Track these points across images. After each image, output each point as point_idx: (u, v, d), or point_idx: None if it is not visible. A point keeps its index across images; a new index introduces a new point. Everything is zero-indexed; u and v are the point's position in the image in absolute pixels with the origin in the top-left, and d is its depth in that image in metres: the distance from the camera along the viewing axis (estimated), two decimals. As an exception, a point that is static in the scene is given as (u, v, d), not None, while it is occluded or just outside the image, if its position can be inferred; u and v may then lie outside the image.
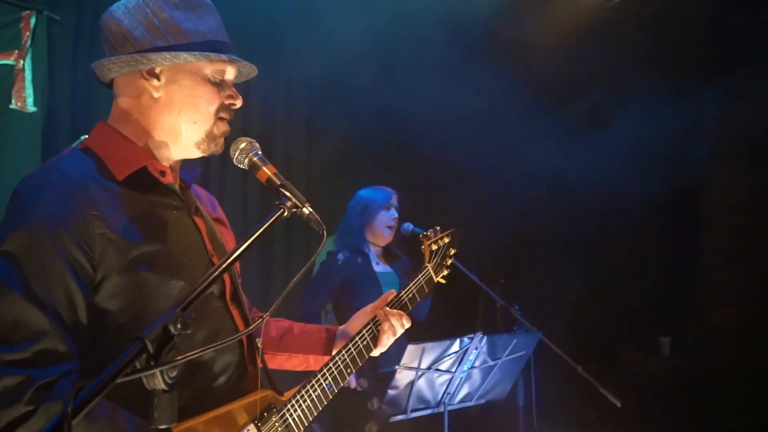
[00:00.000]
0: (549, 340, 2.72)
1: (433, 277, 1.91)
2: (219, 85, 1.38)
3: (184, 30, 1.33)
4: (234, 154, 1.34)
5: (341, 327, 1.78)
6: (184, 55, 1.31)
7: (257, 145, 1.36)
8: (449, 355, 2.41)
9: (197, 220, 1.41)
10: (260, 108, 4.17)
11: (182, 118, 1.35)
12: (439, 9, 3.83)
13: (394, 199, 3.29)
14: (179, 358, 0.82)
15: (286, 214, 1.25)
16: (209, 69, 1.36)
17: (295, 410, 1.45)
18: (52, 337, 1.12)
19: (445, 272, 1.95)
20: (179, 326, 0.81)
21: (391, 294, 1.80)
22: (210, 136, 1.38)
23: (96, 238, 1.20)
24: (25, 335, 1.10)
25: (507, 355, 2.58)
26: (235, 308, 1.41)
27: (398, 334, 1.73)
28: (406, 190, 3.65)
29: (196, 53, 1.32)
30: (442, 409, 2.54)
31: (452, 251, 1.96)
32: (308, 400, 1.49)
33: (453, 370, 2.46)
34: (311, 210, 1.30)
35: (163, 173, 1.37)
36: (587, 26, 4.33)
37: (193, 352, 0.86)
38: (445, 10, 3.83)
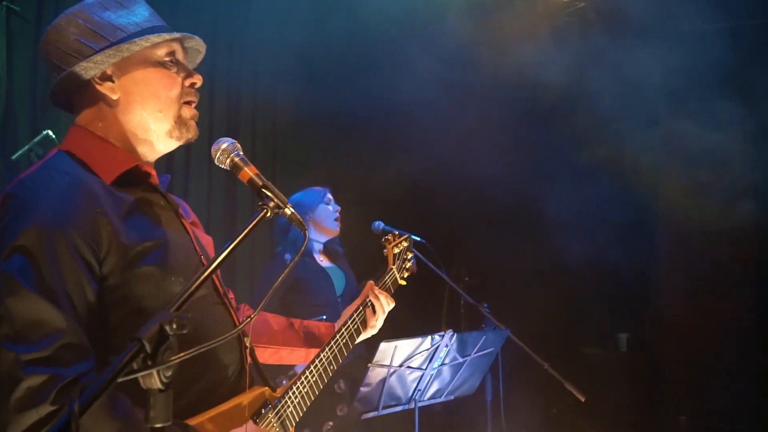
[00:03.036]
0: (516, 338, 2.79)
1: (398, 278, 2.01)
2: (173, 67, 1.37)
3: (117, 25, 1.33)
4: (215, 155, 1.34)
5: (337, 323, 1.85)
6: (125, 46, 1.30)
7: (239, 145, 1.36)
8: (420, 353, 2.45)
9: (183, 222, 1.43)
10: (225, 108, 4.16)
11: (146, 111, 1.34)
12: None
13: (330, 195, 3.31)
14: (174, 358, 0.83)
15: (269, 214, 1.26)
16: (157, 54, 1.35)
17: (288, 406, 1.50)
18: (71, 334, 1.11)
19: (406, 274, 2.05)
20: (175, 326, 0.82)
21: (369, 286, 1.90)
22: (179, 122, 1.38)
23: (103, 235, 1.20)
24: (45, 333, 1.09)
25: (476, 352, 2.64)
26: (230, 308, 1.44)
27: (386, 312, 1.86)
28: (366, 187, 3.69)
29: (135, 39, 1.31)
30: (412, 405, 2.58)
31: (410, 255, 2.08)
32: (299, 396, 1.54)
33: (424, 367, 2.50)
34: (293, 211, 1.31)
35: (148, 174, 1.37)
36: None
37: (188, 352, 0.86)
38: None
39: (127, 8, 1.37)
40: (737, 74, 4.23)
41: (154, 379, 0.81)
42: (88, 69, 1.31)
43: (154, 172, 1.40)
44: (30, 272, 1.11)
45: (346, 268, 3.35)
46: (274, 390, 1.49)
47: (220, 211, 4.10)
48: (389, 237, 2.06)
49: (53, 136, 2.75)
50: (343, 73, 4.40)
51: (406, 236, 2.08)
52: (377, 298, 1.83)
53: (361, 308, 1.82)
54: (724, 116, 4.25)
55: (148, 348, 0.79)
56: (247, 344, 1.39)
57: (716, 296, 4.81)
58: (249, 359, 1.48)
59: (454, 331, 2.50)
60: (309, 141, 4.69)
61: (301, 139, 4.68)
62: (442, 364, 2.56)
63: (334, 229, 3.27)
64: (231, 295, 1.72)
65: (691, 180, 4.65)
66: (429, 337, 2.43)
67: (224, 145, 1.33)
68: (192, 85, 1.40)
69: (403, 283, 2.04)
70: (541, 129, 4.69)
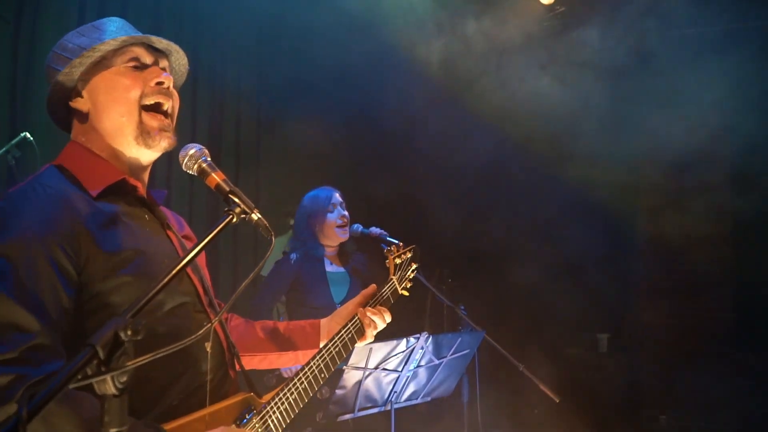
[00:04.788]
0: (492, 339, 2.82)
1: (398, 288, 2.01)
2: (134, 71, 1.41)
3: (83, 46, 1.39)
4: (183, 161, 1.36)
5: (324, 320, 1.86)
6: (75, 61, 1.37)
7: (206, 151, 1.39)
8: (396, 355, 2.46)
9: (169, 233, 1.47)
10: (208, 111, 4.15)
11: (112, 117, 1.39)
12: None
13: (337, 197, 3.32)
14: (129, 363, 0.84)
15: (235, 220, 1.28)
16: (117, 61, 1.40)
17: (274, 412, 1.50)
18: (42, 337, 1.15)
19: (408, 285, 2.06)
20: (129, 332, 0.83)
21: (372, 290, 1.91)
22: (143, 129, 1.40)
23: (81, 245, 1.25)
24: (15, 335, 1.13)
25: (452, 354, 2.66)
26: (213, 315, 1.46)
27: (380, 328, 1.85)
28: (354, 188, 3.69)
29: (85, 51, 1.37)
30: (389, 407, 2.60)
31: (414, 265, 2.08)
32: (286, 403, 1.53)
33: (399, 369, 2.52)
34: (260, 216, 1.33)
35: (135, 188, 1.42)
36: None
37: (144, 357, 0.88)
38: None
39: (99, 29, 1.42)
40: (719, 79, 4.28)
41: (108, 385, 0.82)
42: (55, 91, 1.39)
43: (140, 185, 1.44)
44: (8, 278, 1.16)
45: (355, 273, 3.35)
46: (260, 396, 1.50)
47: (202, 223, 4.07)
48: (392, 248, 2.07)
49: (31, 139, 2.73)
50: (331, 72, 4.43)
51: (411, 247, 2.09)
52: (364, 316, 1.81)
53: (356, 317, 1.81)
54: (705, 122, 4.32)
55: (101, 354, 0.80)
56: (208, 349, 1.40)
57: (694, 297, 4.88)
58: (238, 366, 1.51)
59: (431, 333, 2.53)
60: (295, 140, 4.70)
61: (285, 137, 4.69)
62: (418, 366, 2.58)
63: (340, 236, 3.25)
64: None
65: (670, 184, 4.72)
66: (404, 340, 2.45)
67: (192, 151, 1.36)
68: (158, 84, 1.42)
69: (406, 293, 2.05)
70: (524, 135, 4.74)
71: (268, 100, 4.55)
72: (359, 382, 2.43)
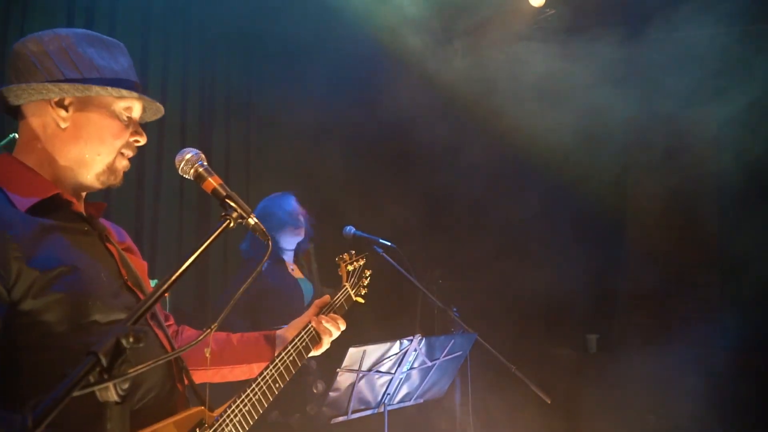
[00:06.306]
0: (484, 341, 2.84)
1: (352, 296, 2.02)
2: (126, 121, 1.42)
3: (96, 65, 1.37)
4: (179, 165, 1.37)
5: (279, 331, 1.83)
6: (96, 89, 1.35)
7: (203, 156, 1.39)
8: (389, 357, 2.47)
9: (108, 246, 1.43)
10: (197, 110, 4.13)
11: (87, 149, 1.37)
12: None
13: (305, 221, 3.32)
14: (131, 371, 0.84)
15: (231, 225, 1.29)
16: (118, 105, 1.40)
17: (227, 425, 1.45)
18: None
19: (363, 291, 2.07)
20: (131, 340, 0.83)
21: (325, 299, 1.91)
22: (111, 169, 1.42)
23: (11, 262, 1.20)
24: None
25: (444, 356, 2.67)
26: (157, 328, 1.44)
27: (335, 336, 1.84)
28: (339, 190, 3.68)
29: (108, 87, 1.36)
30: (382, 409, 2.61)
31: (368, 273, 2.10)
32: (239, 415, 1.49)
33: (393, 371, 2.53)
34: (257, 221, 1.34)
35: (70, 203, 1.38)
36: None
37: (144, 365, 0.88)
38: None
39: (110, 53, 1.42)
40: (706, 80, 4.33)
41: (110, 393, 0.82)
42: (49, 91, 1.34)
43: (75, 200, 1.40)
44: None
45: (313, 280, 3.34)
46: (211, 410, 1.45)
47: (192, 227, 4.03)
48: (344, 256, 2.09)
49: (20, 140, 2.71)
50: (327, 74, 4.44)
51: (363, 255, 2.11)
52: (319, 324, 1.80)
53: (310, 325, 1.80)
54: (692, 122, 4.36)
55: (104, 361, 0.81)
56: (207, 355, 1.39)
57: (682, 298, 4.93)
58: (186, 381, 1.47)
59: (425, 335, 2.54)
60: (285, 141, 4.70)
61: (276, 139, 4.69)
62: (411, 368, 2.59)
63: (297, 236, 3.27)
64: (171, 321, 1.72)
65: (658, 185, 4.76)
66: (397, 342, 2.46)
67: (188, 156, 1.36)
68: (135, 142, 1.45)
69: (361, 300, 2.06)
70: (515, 138, 4.77)
71: (261, 102, 4.55)
72: (353, 385, 2.44)
